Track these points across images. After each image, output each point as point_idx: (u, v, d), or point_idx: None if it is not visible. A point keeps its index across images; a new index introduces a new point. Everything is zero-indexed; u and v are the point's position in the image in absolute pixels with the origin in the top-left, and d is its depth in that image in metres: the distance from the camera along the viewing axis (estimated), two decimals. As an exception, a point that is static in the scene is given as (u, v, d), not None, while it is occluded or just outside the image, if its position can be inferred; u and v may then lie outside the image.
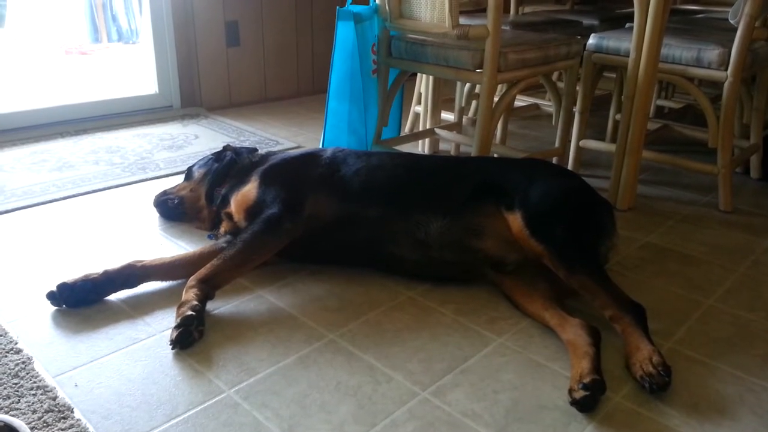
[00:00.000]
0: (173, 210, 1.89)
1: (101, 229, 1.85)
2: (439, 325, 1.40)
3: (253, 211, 1.57)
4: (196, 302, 1.34)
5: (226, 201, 1.68)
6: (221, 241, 1.62)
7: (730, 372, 1.26)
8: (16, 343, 1.28)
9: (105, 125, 2.88)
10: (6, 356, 1.24)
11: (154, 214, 1.94)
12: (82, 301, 1.42)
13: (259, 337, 1.34)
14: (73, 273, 1.47)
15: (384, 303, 1.49)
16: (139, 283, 1.50)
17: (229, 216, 1.66)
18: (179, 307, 1.35)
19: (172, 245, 1.76)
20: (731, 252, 1.79)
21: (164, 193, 1.94)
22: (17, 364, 1.22)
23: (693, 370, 1.27)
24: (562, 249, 1.42)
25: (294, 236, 1.54)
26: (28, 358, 1.24)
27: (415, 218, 1.54)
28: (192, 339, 1.30)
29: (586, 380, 1.15)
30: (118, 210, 2.00)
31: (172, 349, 1.28)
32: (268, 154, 1.82)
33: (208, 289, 1.41)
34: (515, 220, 1.48)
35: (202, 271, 1.43)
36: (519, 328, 1.40)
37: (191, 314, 1.31)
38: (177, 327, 1.29)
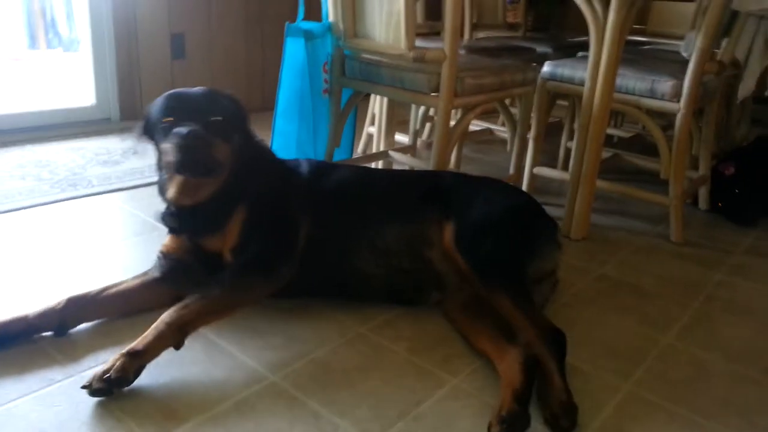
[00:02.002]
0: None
1: (23, 253, 1.68)
2: (392, 366, 1.31)
3: None
4: (147, 363, 1.16)
5: None
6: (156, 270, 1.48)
7: (690, 417, 1.21)
8: None
9: (36, 137, 2.68)
10: None
11: (83, 236, 1.78)
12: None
13: (192, 379, 1.21)
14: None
15: (333, 339, 1.39)
16: (71, 329, 1.31)
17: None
18: (133, 355, 1.13)
19: (111, 266, 1.61)
20: (685, 286, 1.77)
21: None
22: None
23: (654, 416, 1.21)
24: (484, 264, 1.37)
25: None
26: None
27: (374, 227, 1.48)
28: (112, 391, 1.12)
29: (503, 412, 1.08)
30: (43, 231, 1.83)
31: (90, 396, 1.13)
32: None
33: (181, 338, 1.21)
34: (448, 231, 1.43)
35: (184, 316, 1.22)
36: (474, 367, 1.32)
37: (131, 379, 1.13)
38: (106, 380, 1.10)
